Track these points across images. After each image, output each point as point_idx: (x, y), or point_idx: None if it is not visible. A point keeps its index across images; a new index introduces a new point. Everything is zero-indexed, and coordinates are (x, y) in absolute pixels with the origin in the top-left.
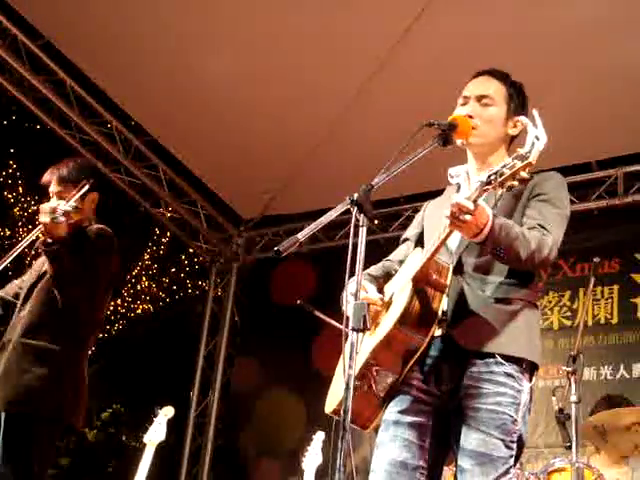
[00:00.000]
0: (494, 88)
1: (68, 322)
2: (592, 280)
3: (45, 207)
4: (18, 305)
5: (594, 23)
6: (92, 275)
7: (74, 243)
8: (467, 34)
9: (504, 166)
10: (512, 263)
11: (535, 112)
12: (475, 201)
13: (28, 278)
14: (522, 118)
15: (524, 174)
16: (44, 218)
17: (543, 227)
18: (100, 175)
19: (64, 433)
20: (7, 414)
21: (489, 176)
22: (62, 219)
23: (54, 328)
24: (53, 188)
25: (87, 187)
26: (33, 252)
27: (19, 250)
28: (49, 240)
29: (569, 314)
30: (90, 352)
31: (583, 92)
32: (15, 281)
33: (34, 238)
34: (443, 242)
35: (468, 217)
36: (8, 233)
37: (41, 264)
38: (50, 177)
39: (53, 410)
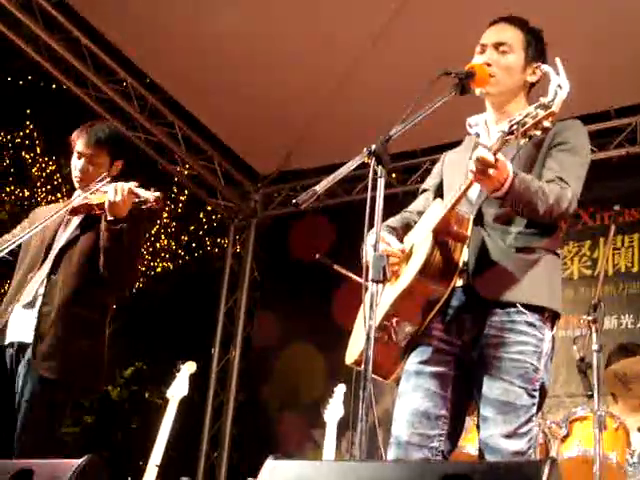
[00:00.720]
0: (511, 35)
1: (104, 292)
2: (612, 229)
3: (123, 186)
4: (37, 267)
5: None
6: (137, 247)
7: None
8: None
9: (527, 115)
10: (530, 216)
11: (558, 60)
12: (496, 152)
13: (43, 236)
14: (544, 66)
15: (547, 123)
16: (116, 197)
17: (562, 179)
18: (129, 141)
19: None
20: (47, 379)
21: (511, 126)
22: (143, 206)
23: (92, 297)
24: (85, 149)
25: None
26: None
27: (52, 219)
28: (112, 218)
29: (589, 264)
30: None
31: (599, 40)
32: (6, 236)
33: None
34: (464, 193)
35: (492, 171)
36: (27, 194)
37: (55, 225)
38: (83, 137)
39: (91, 380)
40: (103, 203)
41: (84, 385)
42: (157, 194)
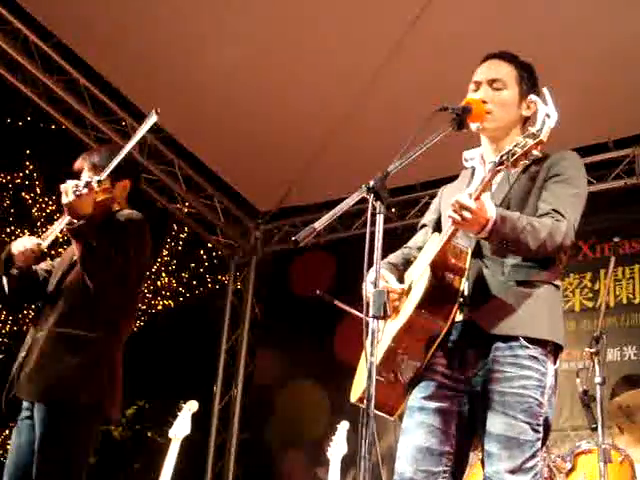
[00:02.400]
0: (505, 71)
1: (100, 308)
2: (613, 260)
3: (66, 185)
4: (48, 291)
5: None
6: (123, 259)
7: (103, 226)
8: (480, 16)
9: (516, 145)
10: (523, 254)
11: (545, 90)
12: (478, 198)
13: (58, 266)
14: (532, 97)
15: (536, 152)
16: (67, 198)
17: (557, 212)
18: (133, 162)
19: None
20: (44, 404)
21: (501, 156)
22: (84, 191)
23: (88, 315)
24: (85, 175)
25: (115, 164)
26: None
27: (51, 238)
28: (74, 220)
29: (590, 295)
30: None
31: (597, 72)
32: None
33: (55, 234)
34: (457, 230)
35: (468, 215)
36: (28, 234)
37: (72, 252)
38: (82, 163)
39: (90, 397)
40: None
41: (85, 403)
42: (89, 178)
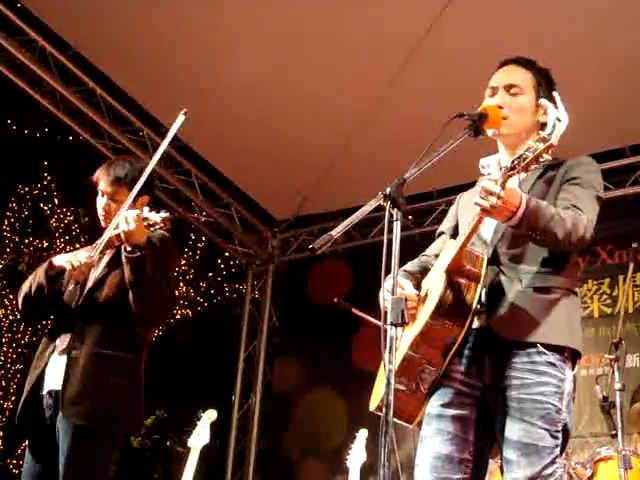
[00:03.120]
0: (521, 76)
1: (140, 330)
2: (631, 266)
3: (132, 214)
4: (72, 306)
5: (626, 4)
6: (166, 283)
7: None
8: (494, 24)
9: (527, 149)
10: (549, 244)
11: (556, 93)
12: (503, 185)
13: (72, 280)
14: (542, 101)
15: (547, 156)
16: (127, 226)
17: (577, 207)
18: (152, 177)
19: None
20: (77, 425)
21: (513, 161)
22: (158, 227)
23: (127, 336)
24: (106, 188)
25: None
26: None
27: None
28: (129, 248)
29: (609, 301)
30: None
31: (613, 78)
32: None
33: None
34: (474, 230)
35: (494, 201)
36: (46, 245)
37: (101, 272)
38: (104, 176)
39: (128, 422)
40: (119, 234)
41: (121, 428)
42: (165, 215)
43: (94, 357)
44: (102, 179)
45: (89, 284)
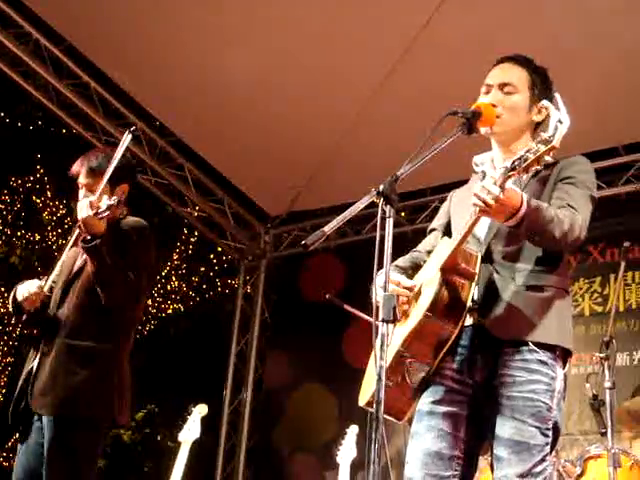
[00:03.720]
0: (517, 75)
1: (113, 321)
2: (622, 265)
3: (85, 203)
4: (52, 303)
5: (619, 5)
6: (134, 271)
7: (112, 238)
8: (488, 22)
9: (528, 151)
10: (546, 244)
11: (558, 95)
12: (502, 185)
13: (60, 275)
14: (544, 102)
15: (548, 158)
16: (84, 213)
17: (571, 207)
18: (130, 165)
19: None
20: (54, 417)
21: (513, 162)
22: (106, 214)
23: (98, 328)
24: (82, 179)
25: (105, 181)
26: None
27: (65, 254)
28: (88, 237)
29: (600, 300)
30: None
31: (607, 77)
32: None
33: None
34: (471, 229)
35: (492, 202)
36: (38, 237)
37: (71, 260)
38: (79, 168)
39: (101, 411)
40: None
41: (96, 418)
42: (109, 201)
43: (64, 348)
44: (79, 172)
45: (66, 277)
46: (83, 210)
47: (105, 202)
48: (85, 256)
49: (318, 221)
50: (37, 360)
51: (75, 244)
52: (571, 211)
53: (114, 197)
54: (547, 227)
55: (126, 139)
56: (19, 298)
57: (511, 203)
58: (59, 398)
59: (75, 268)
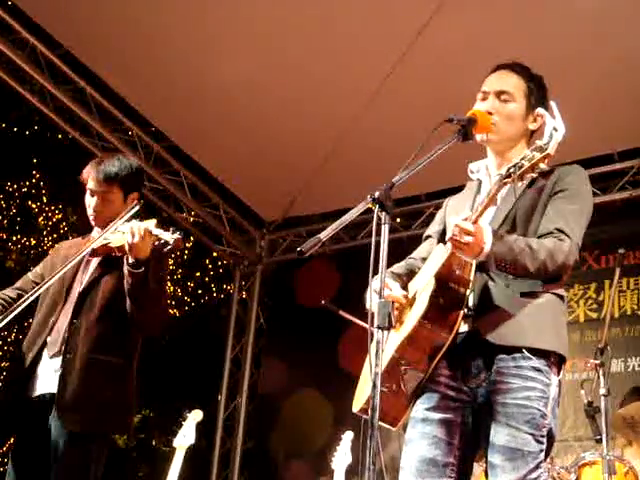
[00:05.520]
0: (513, 83)
1: (135, 336)
2: (618, 271)
3: (141, 226)
4: (59, 309)
5: (614, 10)
6: (163, 290)
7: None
8: (484, 28)
9: (523, 158)
10: (522, 275)
11: (553, 103)
12: (476, 221)
13: (63, 276)
14: (539, 110)
15: (543, 166)
16: (136, 239)
17: (561, 231)
18: (142, 172)
19: None
20: (77, 433)
21: (508, 169)
22: (168, 248)
23: (121, 341)
24: (96, 187)
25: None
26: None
27: (71, 264)
28: (132, 261)
29: (595, 306)
30: None
31: (602, 84)
32: (29, 275)
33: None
34: (448, 261)
35: (469, 238)
36: (33, 242)
37: (75, 267)
38: (94, 174)
39: (119, 426)
40: (123, 246)
41: (113, 430)
42: (177, 236)
43: (89, 362)
44: (91, 178)
45: (82, 286)
46: (138, 234)
47: (167, 235)
48: (92, 267)
49: (314, 227)
50: (60, 372)
51: (93, 255)
52: (558, 237)
53: (176, 232)
54: (517, 260)
55: (133, 210)
56: None
57: (480, 240)
58: (92, 415)
59: (88, 278)
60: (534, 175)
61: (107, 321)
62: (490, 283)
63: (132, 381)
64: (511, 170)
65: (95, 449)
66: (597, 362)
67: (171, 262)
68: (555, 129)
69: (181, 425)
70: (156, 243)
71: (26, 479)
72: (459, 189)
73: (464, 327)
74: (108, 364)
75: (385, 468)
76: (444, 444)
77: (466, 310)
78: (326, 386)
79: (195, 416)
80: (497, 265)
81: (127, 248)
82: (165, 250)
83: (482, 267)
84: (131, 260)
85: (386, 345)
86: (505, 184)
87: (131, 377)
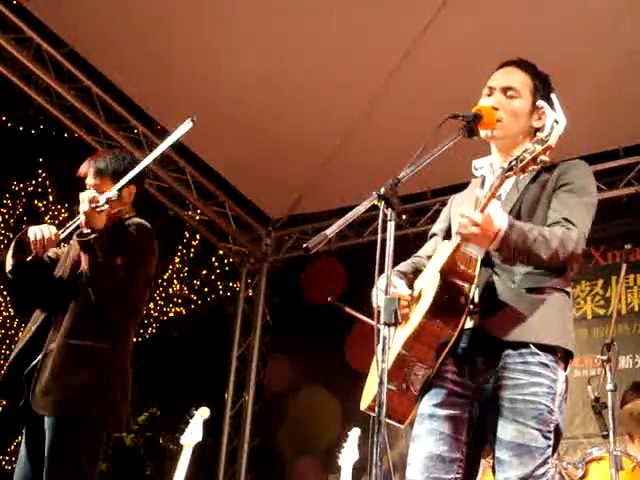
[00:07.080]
0: (520, 80)
1: (104, 320)
2: (624, 267)
3: (86, 195)
4: (51, 298)
5: (620, 8)
6: (127, 274)
7: (113, 237)
8: (490, 25)
9: (524, 151)
10: (535, 264)
11: (554, 96)
12: (483, 210)
13: (61, 272)
14: (540, 102)
15: (545, 158)
16: (84, 206)
17: (568, 220)
18: (134, 166)
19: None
20: (56, 418)
21: (510, 162)
22: (105, 207)
23: (95, 326)
24: (90, 180)
25: (130, 177)
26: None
27: (67, 232)
28: (86, 230)
29: (602, 303)
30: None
31: (607, 79)
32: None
33: (72, 229)
34: (453, 254)
35: (475, 229)
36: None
37: (72, 259)
38: (87, 169)
39: (103, 410)
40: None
41: (98, 419)
42: (109, 194)
43: (64, 347)
44: (86, 172)
45: (66, 276)
46: (84, 203)
47: (104, 196)
48: (74, 253)
49: (319, 224)
50: (40, 358)
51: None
52: (566, 226)
53: (113, 191)
54: (531, 249)
55: (184, 128)
56: (30, 236)
57: (491, 229)
58: (60, 398)
59: (76, 268)
60: (536, 167)
61: (84, 307)
62: (495, 278)
63: (119, 366)
64: (513, 163)
65: (83, 433)
66: (604, 358)
67: (177, 260)
68: (556, 121)
69: (188, 423)
70: (98, 205)
71: (30, 475)
72: (465, 186)
73: (470, 323)
74: (87, 349)
75: (393, 466)
76: (451, 440)
77: (471, 306)
78: (333, 383)
79: (202, 414)
80: (510, 253)
81: (82, 219)
82: (100, 209)
83: (488, 262)
84: (84, 230)
85: (392, 342)
86: (507, 177)
87: (118, 362)
